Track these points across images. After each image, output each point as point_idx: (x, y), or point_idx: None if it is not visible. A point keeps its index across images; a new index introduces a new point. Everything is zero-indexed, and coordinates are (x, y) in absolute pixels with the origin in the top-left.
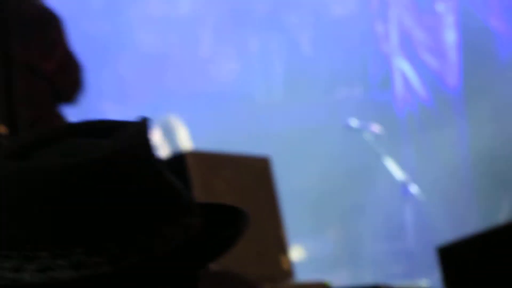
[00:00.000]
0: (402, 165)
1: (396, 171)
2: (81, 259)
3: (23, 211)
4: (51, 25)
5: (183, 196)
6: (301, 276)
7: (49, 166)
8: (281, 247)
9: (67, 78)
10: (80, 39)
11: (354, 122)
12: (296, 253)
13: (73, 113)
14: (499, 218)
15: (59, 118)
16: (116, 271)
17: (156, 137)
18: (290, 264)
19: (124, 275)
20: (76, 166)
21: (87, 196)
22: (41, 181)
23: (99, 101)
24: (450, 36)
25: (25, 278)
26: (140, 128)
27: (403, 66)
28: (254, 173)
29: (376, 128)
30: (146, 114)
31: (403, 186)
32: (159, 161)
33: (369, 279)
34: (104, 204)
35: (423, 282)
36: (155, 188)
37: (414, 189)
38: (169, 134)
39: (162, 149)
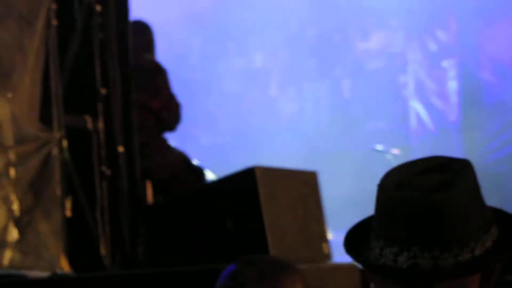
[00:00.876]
0: None
1: None
2: (439, 255)
3: (405, 222)
4: (158, 74)
5: (486, 211)
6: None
7: (422, 199)
8: (323, 238)
9: (169, 113)
10: (180, 84)
11: (379, 147)
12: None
13: (172, 138)
14: None
15: (163, 141)
16: (463, 261)
17: None
18: (329, 250)
19: (470, 264)
20: (441, 200)
21: (449, 220)
22: (418, 208)
23: (192, 130)
24: (452, 85)
25: (401, 263)
26: (471, 167)
27: (417, 106)
28: (305, 183)
29: (396, 151)
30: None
31: None
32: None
33: None
34: (455, 225)
35: None
36: (483, 209)
37: None
38: None
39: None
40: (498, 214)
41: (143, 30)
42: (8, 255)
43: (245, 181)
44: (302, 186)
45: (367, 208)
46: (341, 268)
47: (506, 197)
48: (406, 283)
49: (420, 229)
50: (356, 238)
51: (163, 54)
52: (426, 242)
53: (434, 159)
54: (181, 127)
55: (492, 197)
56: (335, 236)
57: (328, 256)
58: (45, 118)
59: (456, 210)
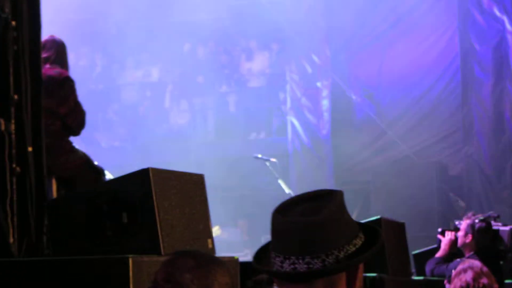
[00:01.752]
0: (289, 184)
1: (285, 188)
2: (310, 261)
3: (286, 239)
4: (66, 83)
5: (352, 226)
6: (218, 254)
7: (298, 221)
8: (208, 234)
9: (75, 119)
10: (85, 93)
11: (259, 155)
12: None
13: (76, 140)
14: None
15: (68, 143)
16: (328, 264)
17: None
18: (213, 244)
19: (332, 266)
20: (310, 222)
21: (316, 237)
22: (294, 229)
23: (93, 134)
24: (325, 103)
25: (285, 268)
26: (339, 195)
27: (293, 120)
28: (193, 184)
29: (273, 159)
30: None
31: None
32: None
33: None
34: (321, 239)
35: None
36: (348, 225)
37: None
38: None
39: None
40: (364, 227)
41: (55, 45)
42: None
43: (140, 180)
44: (190, 187)
45: (251, 207)
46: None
47: (369, 204)
48: (292, 282)
49: (296, 243)
50: (261, 253)
51: (70, 66)
52: (300, 252)
53: (314, 191)
54: (85, 132)
55: (357, 203)
56: (222, 232)
57: (212, 250)
58: None
59: (321, 228)
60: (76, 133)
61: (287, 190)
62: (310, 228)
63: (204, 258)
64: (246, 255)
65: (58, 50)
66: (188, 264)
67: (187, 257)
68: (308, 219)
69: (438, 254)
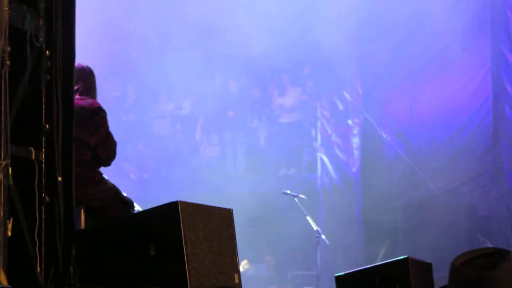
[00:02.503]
0: (317, 220)
1: (313, 224)
2: None
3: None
4: (97, 114)
5: None
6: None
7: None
8: (235, 268)
9: (105, 149)
10: (116, 124)
11: (288, 191)
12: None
13: (106, 171)
14: (377, 260)
15: (98, 174)
16: None
17: None
18: (239, 279)
19: None
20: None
21: None
22: (470, 278)
23: (122, 165)
24: (355, 140)
25: None
26: (509, 253)
27: (323, 157)
28: (221, 218)
29: (302, 196)
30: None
31: (317, 234)
32: None
33: None
34: None
35: None
36: None
37: (324, 236)
38: None
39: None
40: None
41: (84, 75)
42: None
43: (169, 213)
44: (218, 221)
45: (278, 243)
46: None
47: (396, 243)
48: None
49: None
50: None
51: (101, 97)
52: None
53: (490, 248)
54: (115, 162)
55: (385, 242)
56: (249, 267)
57: (239, 285)
58: None
59: (496, 282)
60: (106, 163)
61: (315, 227)
62: (486, 281)
63: None
64: None
65: (87, 80)
66: None
67: None
68: (485, 272)
69: None
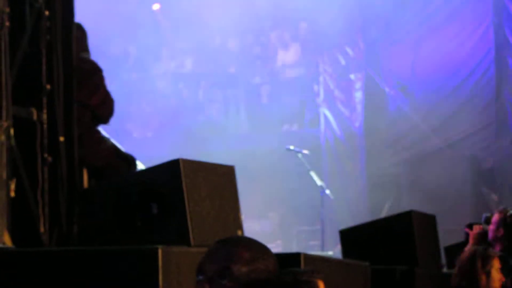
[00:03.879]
0: (321, 176)
1: (317, 179)
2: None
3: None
4: (96, 74)
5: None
6: None
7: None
8: (238, 225)
9: (105, 109)
10: (118, 84)
11: (292, 147)
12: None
13: (107, 131)
14: (381, 214)
15: (98, 133)
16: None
17: None
18: (243, 235)
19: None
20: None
21: None
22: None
23: (125, 124)
24: (358, 95)
25: None
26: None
27: (326, 112)
28: (223, 175)
29: (306, 151)
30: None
31: (321, 189)
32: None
33: (295, 249)
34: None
35: (330, 252)
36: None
37: (328, 191)
38: None
39: None
40: None
41: (81, 33)
42: None
43: (171, 171)
44: (220, 178)
45: (282, 199)
46: None
47: (401, 197)
48: None
49: None
50: None
51: (103, 56)
52: None
53: None
54: (116, 122)
55: (389, 196)
56: (248, 224)
57: None
58: None
59: None
60: (106, 121)
61: (318, 182)
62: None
63: (256, 247)
64: (277, 246)
65: (84, 38)
66: (244, 256)
67: (241, 248)
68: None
69: (467, 249)
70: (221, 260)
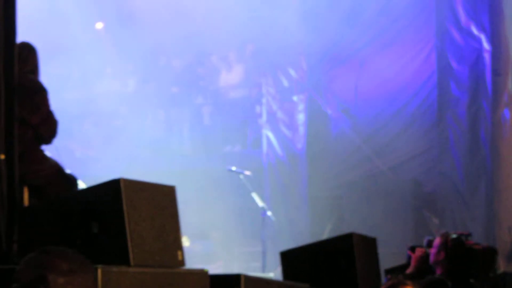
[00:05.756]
0: (263, 197)
1: (258, 201)
2: None
3: None
4: (38, 93)
5: None
6: (191, 266)
7: None
8: (178, 245)
9: (46, 129)
10: (60, 102)
11: (234, 168)
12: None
13: (49, 150)
14: (323, 236)
15: (40, 152)
16: None
17: None
18: (183, 256)
19: None
20: None
21: None
22: None
23: (67, 143)
24: (301, 117)
25: None
26: None
27: (269, 134)
28: (164, 195)
29: (248, 172)
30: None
31: (263, 211)
32: None
33: (236, 270)
34: None
35: (272, 274)
36: None
37: (269, 213)
38: None
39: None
40: None
41: (29, 52)
42: None
43: (112, 191)
44: (161, 198)
45: (225, 220)
46: (192, 273)
47: (343, 219)
48: None
49: None
50: None
51: (45, 75)
52: None
53: None
54: (59, 141)
55: (331, 218)
56: (195, 244)
57: (182, 262)
58: None
59: None
60: (48, 142)
61: (260, 204)
62: None
63: (76, 260)
64: (219, 267)
65: (33, 57)
66: (61, 267)
67: (60, 258)
68: None
69: (408, 271)
70: (38, 268)
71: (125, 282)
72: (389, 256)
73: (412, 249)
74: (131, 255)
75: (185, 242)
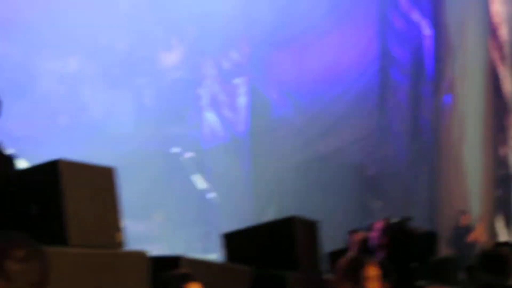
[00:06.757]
0: (205, 179)
1: (200, 183)
2: None
3: None
4: None
5: None
6: (134, 247)
7: None
8: (117, 227)
9: None
10: (2, 82)
11: (175, 150)
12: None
13: None
14: (266, 218)
15: None
16: None
17: None
18: (122, 238)
19: None
20: None
21: None
22: None
23: (6, 122)
24: (242, 100)
25: None
26: None
27: (210, 116)
28: (103, 176)
29: (188, 155)
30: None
31: (205, 192)
32: None
33: (179, 252)
34: None
35: (214, 255)
36: None
37: (211, 195)
38: None
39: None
40: None
41: None
42: None
43: (50, 172)
44: (100, 179)
45: (165, 201)
46: (130, 254)
47: (285, 202)
48: None
49: None
50: None
51: None
52: None
53: None
54: None
55: (273, 201)
56: (130, 226)
57: (120, 244)
58: None
59: None
60: None
61: (201, 186)
62: None
63: (32, 246)
64: (162, 248)
65: None
66: (17, 253)
67: (15, 245)
68: None
69: (348, 254)
70: None
71: (64, 263)
72: (332, 239)
73: (353, 232)
74: (69, 236)
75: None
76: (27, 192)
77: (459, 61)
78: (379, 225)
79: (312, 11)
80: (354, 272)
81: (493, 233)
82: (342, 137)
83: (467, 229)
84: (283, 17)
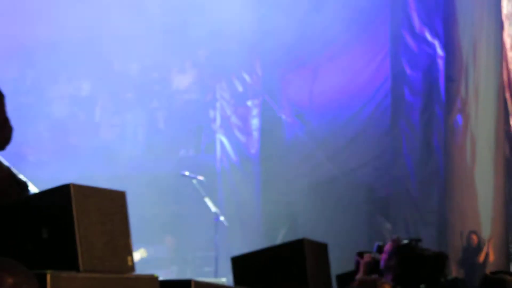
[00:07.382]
0: (216, 202)
1: (211, 206)
2: None
3: None
4: None
5: None
6: (144, 271)
7: None
8: (128, 251)
9: (2, 135)
10: (14, 106)
11: (187, 173)
12: (141, 253)
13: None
14: (276, 241)
15: None
16: None
17: None
18: (133, 262)
19: None
20: None
21: None
22: None
23: (21, 147)
24: (255, 121)
25: None
26: None
27: (222, 138)
28: (114, 201)
29: (201, 177)
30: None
31: (216, 215)
32: None
33: (189, 275)
34: None
35: (224, 279)
36: None
37: (222, 218)
38: None
39: None
40: None
41: None
42: None
43: (61, 196)
44: (111, 204)
45: (178, 225)
46: (142, 279)
47: (296, 224)
48: None
49: None
50: None
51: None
52: None
53: None
54: (11, 145)
55: (285, 223)
56: (149, 249)
57: (132, 268)
58: None
59: None
60: (1, 149)
61: (213, 209)
62: None
63: (21, 273)
64: (172, 272)
65: None
66: (7, 281)
67: (4, 272)
68: None
69: (357, 277)
70: None
71: None
72: (342, 261)
73: (360, 254)
74: (80, 261)
75: (143, 253)
76: (38, 217)
77: (472, 81)
78: (388, 247)
79: (324, 32)
80: None
81: (506, 253)
82: (353, 159)
83: (478, 250)
84: (295, 39)
